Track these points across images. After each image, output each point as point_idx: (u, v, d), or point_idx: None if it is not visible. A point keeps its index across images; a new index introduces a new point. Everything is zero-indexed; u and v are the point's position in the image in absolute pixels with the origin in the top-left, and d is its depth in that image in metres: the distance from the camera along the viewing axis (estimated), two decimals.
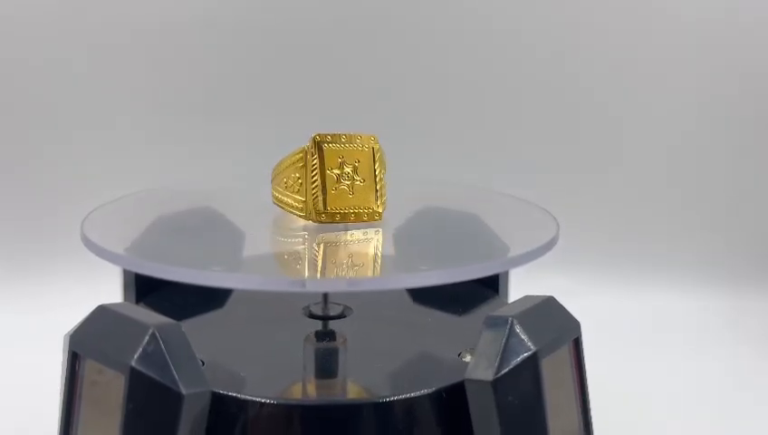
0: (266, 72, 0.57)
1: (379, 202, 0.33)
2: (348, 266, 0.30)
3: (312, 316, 0.33)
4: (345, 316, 0.33)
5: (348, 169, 0.32)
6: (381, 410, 0.27)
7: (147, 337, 0.25)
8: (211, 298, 0.36)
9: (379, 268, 0.30)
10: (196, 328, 0.33)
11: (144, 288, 0.37)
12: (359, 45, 0.58)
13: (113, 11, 0.56)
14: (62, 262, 0.56)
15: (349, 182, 0.32)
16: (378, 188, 0.33)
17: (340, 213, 0.32)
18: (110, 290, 0.41)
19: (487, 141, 0.59)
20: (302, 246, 0.32)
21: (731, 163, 0.59)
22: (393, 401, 0.27)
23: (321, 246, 0.32)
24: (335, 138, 0.32)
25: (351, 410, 0.27)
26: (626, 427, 0.40)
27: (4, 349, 0.48)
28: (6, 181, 0.57)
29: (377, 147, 0.33)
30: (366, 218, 0.33)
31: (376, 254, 0.32)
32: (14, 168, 0.57)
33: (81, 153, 0.57)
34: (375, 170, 0.33)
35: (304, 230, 0.32)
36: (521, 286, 0.38)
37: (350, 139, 0.33)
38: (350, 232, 0.33)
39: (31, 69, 0.56)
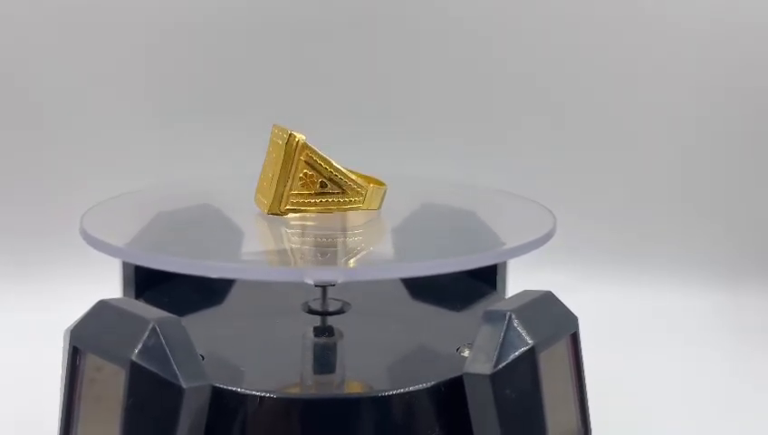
0: (268, 70, 0.58)
1: (272, 197, 0.32)
2: (345, 259, 0.30)
3: (311, 312, 0.33)
4: (344, 312, 0.34)
5: (270, 161, 0.33)
6: (380, 404, 0.27)
7: (147, 332, 0.25)
8: (210, 294, 0.37)
9: (376, 260, 0.31)
10: (195, 324, 0.33)
11: (143, 284, 0.37)
12: (360, 43, 0.58)
13: (115, 9, 0.56)
14: (60, 259, 0.56)
15: (268, 174, 0.33)
16: (276, 183, 0.32)
17: (257, 199, 0.34)
18: (109, 287, 0.41)
19: (486, 139, 0.59)
20: (301, 241, 0.32)
21: (731, 159, 0.60)
22: (392, 395, 0.27)
23: (320, 240, 0.32)
24: (275, 129, 0.33)
25: (350, 405, 0.27)
26: (623, 422, 0.40)
27: (3, 346, 0.48)
28: (8, 180, 0.57)
29: (292, 145, 0.32)
30: (263, 209, 0.33)
31: (373, 247, 0.32)
32: (15, 167, 0.57)
33: (82, 152, 0.57)
34: (280, 167, 0.32)
35: (302, 225, 0.32)
36: (518, 284, 0.39)
37: (281, 133, 0.33)
38: (348, 227, 0.33)
39: (31, 68, 0.56)
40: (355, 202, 0.33)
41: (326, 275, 0.29)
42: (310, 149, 0.32)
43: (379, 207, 0.34)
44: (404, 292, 0.38)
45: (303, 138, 0.32)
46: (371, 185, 0.33)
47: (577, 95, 0.59)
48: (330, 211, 0.33)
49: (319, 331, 0.32)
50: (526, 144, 0.59)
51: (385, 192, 0.34)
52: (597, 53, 0.58)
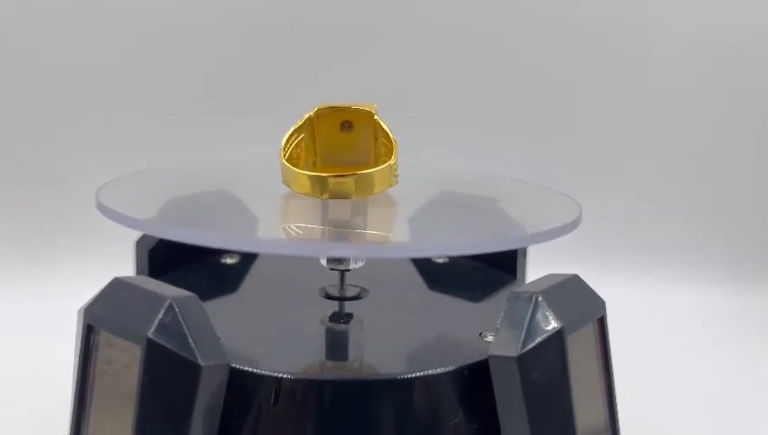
0: (280, 60, 0.57)
1: None
2: (365, 238, 0.29)
3: (329, 297, 0.33)
4: (361, 298, 0.33)
5: None
6: (400, 387, 0.26)
7: (164, 309, 0.25)
8: (225, 280, 0.36)
9: (396, 241, 0.30)
10: (211, 308, 0.32)
11: (157, 269, 0.36)
12: (375, 32, 0.57)
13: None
14: (72, 246, 0.56)
15: None
16: None
17: None
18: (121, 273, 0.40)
19: (498, 136, 0.59)
20: (320, 222, 0.31)
21: (747, 157, 0.59)
22: (413, 378, 0.26)
23: (339, 222, 0.31)
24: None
25: (370, 387, 0.26)
26: (632, 420, 0.39)
27: (14, 334, 0.48)
28: (14, 174, 0.57)
29: None
30: None
31: (393, 230, 0.32)
32: (19, 161, 0.57)
33: (88, 141, 0.57)
34: None
35: (322, 208, 0.32)
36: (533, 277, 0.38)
37: None
38: (368, 211, 0.32)
39: (38, 58, 0.56)
40: None
41: (346, 251, 0.28)
42: None
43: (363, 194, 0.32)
44: (421, 281, 0.37)
45: (310, 114, 0.33)
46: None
47: (584, 94, 0.58)
48: None
49: (337, 315, 0.31)
50: (539, 142, 0.59)
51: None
52: (613, 49, 0.58)
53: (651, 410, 0.41)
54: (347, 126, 0.33)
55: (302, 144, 0.33)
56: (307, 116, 0.33)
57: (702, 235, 0.59)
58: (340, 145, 0.33)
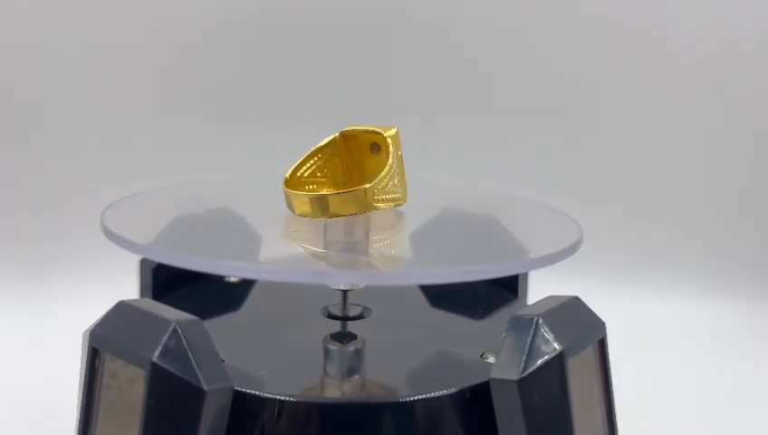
0: (282, 74, 0.57)
1: None
2: (366, 264, 0.30)
3: (331, 317, 0.33)
4: (364, 317, 0.33)
5: None
6: (403, 410, 0.27)
7: (168, 333, 0.25)
8: (228, 300, 0.36)
9: (400, 265, 0.30)
10: (214, 329, 0.32)
11: (160, 289, 0.36)
12: (378, 45, 0.58)
13: (131, 10, 0.56)
14: (75, 264, 0.56)
15: None
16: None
17: None
18: (125, 292, 0.40)
19: (500, 146, 0.59)
20: (323, 244, 0.31)
21: (738, 169, 0.59)
22: (415, 400, 0.27)
23: (342, 243, 0.31)
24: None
25: (372, 410, 0.27)
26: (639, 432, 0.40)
27: (18, 349, 0.48)
28: (22, 185, 0.57)
29: None
30: None
31: (397, 252, 0.32)
32: (24, 172, 0.57)
33: (93, 156, 0.57)
34: None
35: (325, 228, 0.32)
36: (534, 290, 0.38)
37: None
38: (369, 232, 0.32)
39: (39, 74, 0.56)
40: None
41: (350, 278, 0.28)
42: None
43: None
44: (424, 299, 0.37)
45: (335, 135, 0.34)
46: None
47: (595, 100, 0.58)
48: None
49: (339, 335, 0.31)
50: (540, 151, 0.59)
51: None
52: (613, 56, 0.58)
53: (652, 428, 0.42)
54: (376, 148, 0.34)
55: (328, 165, 0.34)
56: (331, 138, 0.34)
57: (700, 244, 0.60)
58: (368, 166, 0.34)
